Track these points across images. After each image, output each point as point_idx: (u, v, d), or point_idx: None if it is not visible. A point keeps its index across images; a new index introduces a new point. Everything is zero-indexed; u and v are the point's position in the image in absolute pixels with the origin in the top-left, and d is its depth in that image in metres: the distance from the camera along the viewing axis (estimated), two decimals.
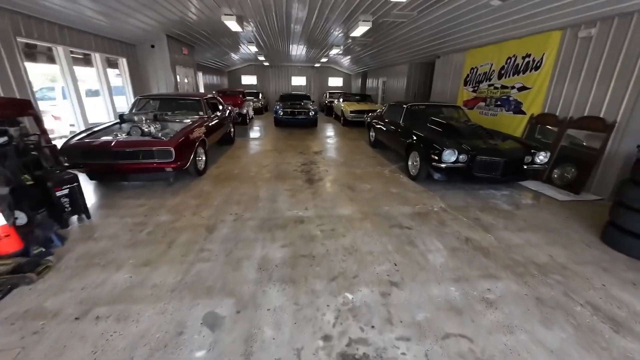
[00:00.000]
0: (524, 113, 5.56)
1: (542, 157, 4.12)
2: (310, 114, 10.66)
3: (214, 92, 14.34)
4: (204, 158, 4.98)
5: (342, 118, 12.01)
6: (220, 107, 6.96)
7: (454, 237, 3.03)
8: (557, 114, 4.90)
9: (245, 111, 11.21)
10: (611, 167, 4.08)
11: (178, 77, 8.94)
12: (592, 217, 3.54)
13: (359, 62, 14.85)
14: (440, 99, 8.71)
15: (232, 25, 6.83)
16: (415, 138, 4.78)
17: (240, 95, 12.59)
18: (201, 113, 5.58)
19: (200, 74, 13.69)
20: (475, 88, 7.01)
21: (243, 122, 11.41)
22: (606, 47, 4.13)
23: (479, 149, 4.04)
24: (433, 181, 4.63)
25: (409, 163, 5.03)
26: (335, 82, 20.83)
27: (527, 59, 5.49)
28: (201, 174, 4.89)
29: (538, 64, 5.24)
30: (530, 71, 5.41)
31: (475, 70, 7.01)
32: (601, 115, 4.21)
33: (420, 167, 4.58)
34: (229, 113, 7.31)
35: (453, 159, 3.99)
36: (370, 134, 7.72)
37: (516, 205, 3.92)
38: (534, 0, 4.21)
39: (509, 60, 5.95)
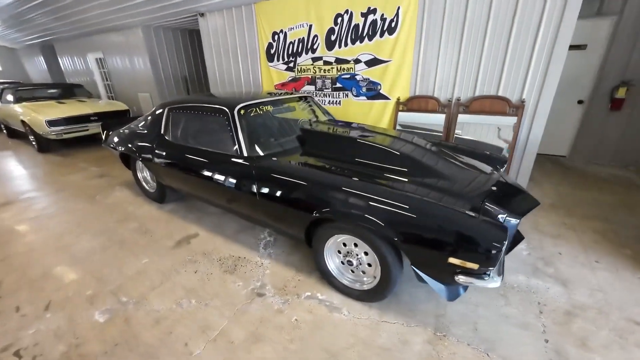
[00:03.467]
0: (386, 98, 3.95)
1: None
2: None
3: None
4: None
5: (33, 138, 5.80)
6: None
7: None
8: (435, 94, 3.62)
9: None
10: (522, 158, 3.33)
11: None
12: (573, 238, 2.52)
13: (27, 25, 7.80)
14: (229, 85, 5.59)
15: None
16: (343, 208, 1.72)
17: None
18: None
19: None
20: (291, 64, 4.63)
21: None
22: None
23: (492, 195, 1.79)
24: (409, 293, 1.96)
25: (332, 268, 1.99)
26: None
27: (371, 17, 3.70)
28: None
29: (393, 25, 3.60)
30: (382, 35, 3.71)
31: (281, 35, 4.52)
32: (500, 93, 3.25)
33: (387, 275, 1.73)
34: None
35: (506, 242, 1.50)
36: (142, 175, 3.47)
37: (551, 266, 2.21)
38: None
39: (339, 20, 3.95)
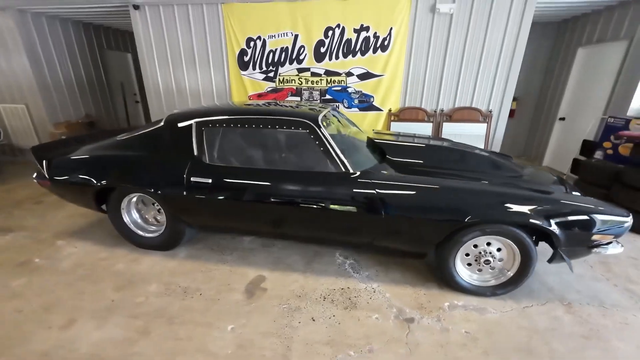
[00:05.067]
0: (378, 109, 4.20)
1: None
2: None
3: None
4: None
5: None
6: None
7: None
8: (422, 106, 4.14)
9: None
10: None
11: None
12: None
13: None
14: (178, 95, 4.58)
15: None
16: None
17: None
18: None
19: None
20: (271, 74, 4.27)
21: None
22: (469, 29, 3.71)
23: None
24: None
25: (461, 272, 2.02)
26: None
27: (364, 34, 3.90)
28: None
29: (386, 43, 3.90)
30: (375, 52, 3.96)
31: (259, 42, 4.12)
32: (473, 105, 4.03)
33: (528, 265, 1.91)
34: None
35: None
36: (131, 218, 2.47)
37: None
38: None
39: (330, 33, 3.96)
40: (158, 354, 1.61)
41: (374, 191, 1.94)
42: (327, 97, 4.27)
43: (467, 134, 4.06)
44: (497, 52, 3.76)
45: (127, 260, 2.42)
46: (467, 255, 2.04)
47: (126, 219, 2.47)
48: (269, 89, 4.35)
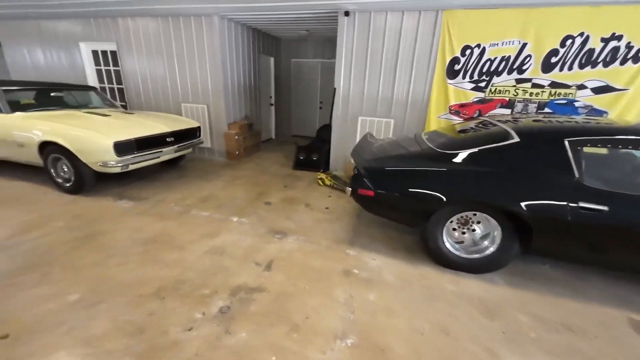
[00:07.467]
0: None
1: None
2: None
3: None
4: None
5: (72, 172, 3.53)
6: None
7: None
8: None
9: None
10: None
11: None
12: None
13: None
14: (368, 100, 4.53)
15: None
16: None
17: None
18: None
19: None
20: (482, 84, 4.04)
21: None
22: None
23: None
24: None
25: None
26: None
27: (614, 43, 3.51)
28: None
29: (639, 53, 3.48)
30: (623, 63, 3.55)
31: (476, 50, 3.91)
32: None
33: None
34: None
35: None
36: (451, 241, 2.35)
37: None
38: None
39: (568, 42, 3.63)
40: None
41: None
42: (546, 110, 3.93)
43: None
44: None
45: (447, 281, 2.27)
46: None
47: (446, 241, 2.33)
48: (475, 100, 4.12)
